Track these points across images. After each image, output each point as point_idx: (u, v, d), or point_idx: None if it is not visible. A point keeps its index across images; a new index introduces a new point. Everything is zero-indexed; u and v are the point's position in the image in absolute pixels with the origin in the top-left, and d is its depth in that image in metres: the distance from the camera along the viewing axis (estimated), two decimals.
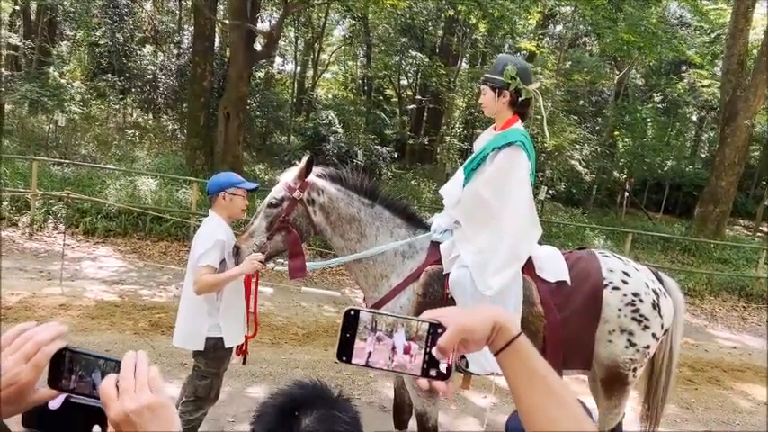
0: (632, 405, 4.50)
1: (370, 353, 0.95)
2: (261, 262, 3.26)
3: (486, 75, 3.50)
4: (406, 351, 0.94)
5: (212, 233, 3.40)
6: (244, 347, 3.67)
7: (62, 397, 0.95)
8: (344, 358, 0.95)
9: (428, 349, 0.94)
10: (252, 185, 3.65)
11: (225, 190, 3.51)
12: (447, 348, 0.93)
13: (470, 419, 4.97)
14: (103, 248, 9.23)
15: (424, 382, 0.96)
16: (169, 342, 5.44)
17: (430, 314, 0.97)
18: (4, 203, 9.77)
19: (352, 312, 0.96)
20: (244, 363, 3.77)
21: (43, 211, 9.76)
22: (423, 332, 0.94)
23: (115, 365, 0.94)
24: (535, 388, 0.94)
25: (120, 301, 6.88)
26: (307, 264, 3.46)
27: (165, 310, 6.57)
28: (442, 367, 0.95)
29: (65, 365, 0.96)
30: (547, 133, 8.77)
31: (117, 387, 0.90)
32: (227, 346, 3.47)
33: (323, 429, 1.10)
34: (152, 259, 9.01)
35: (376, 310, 0.97)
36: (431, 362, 0.94)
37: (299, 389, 1.18)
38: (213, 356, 3.46)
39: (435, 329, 0.94)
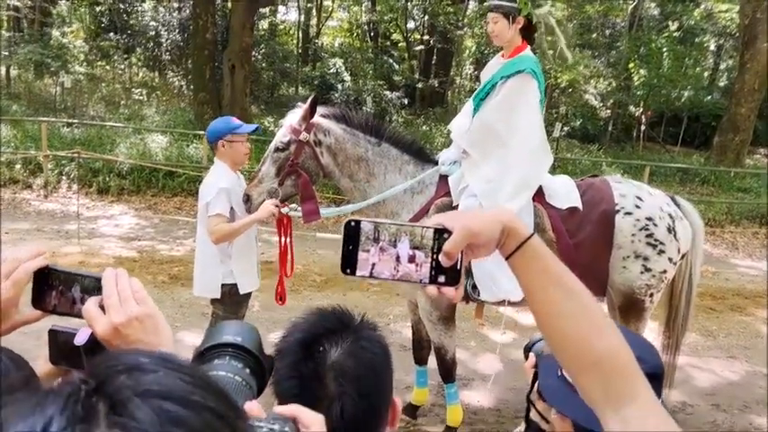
0: (653, 336, 4.48)
1: (373, 264, 0.91)
2: (276, 206, 3.22)
3: (497, 2, 3.32)
4: (411, 260, 0.90)
5: (215, 182, 3.35)
6: (280, 290, 3.66)
7: (88, 332, 0.94)
8: (348, 271, 0.91)
9: (435, 256, 0.90)
10: (250, 128, 3.52)
11: (222, 137, 3.41)
12: (453, 253, 0.88)
13: (489, 356, 5.00)
14: (118, 206, 9.30)
15: (432, 290, 0.91)
16: (189, 293, 5.49)
17: (435, 219, 0.92)
18: (17, 166, 9.82)
19: (353, 224, 0.91)
20: (284, 303, 3.74)
21: (56, 172, 9.83)
22: (428, 239, 0.90)
23: (95, 281, 0.94)
24: (549, 285, 0.89)
25: (139, 257, 6.96)
26: (321, 210, 3.42)
27: (183, 263, 6.63)
28: (450, 273, 0.90)
29: (47, 285, 0.96)
30: (569, 54, 8.48)
31: (101, 307, 0.90)
32: (241, 293, 3.47)
33: (353, 363, 1.05)
34: (167, 214, 9.07)
35: (377, 220, 0.92)
36: (438, 268, 0.90)
37: (321, 319, 1.12)
38: (229, 302, 3.48)
39: (441, 235, 0.89)
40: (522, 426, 1.67)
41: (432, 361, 3.80)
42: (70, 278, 0.97)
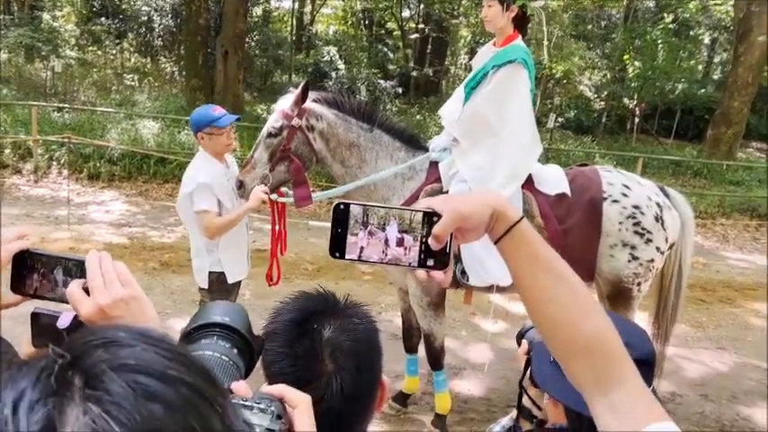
0: (642, 326, 4.50)
1: (362, 248, 0.90)
2: (266, 193, 3.19)
3: None
4: (400, 243, 0.90)
5: (194, 176, 3.26)
6: (269, 271, 3.62)
7: (71, 315, 0.92)
8: (337, 254, 0.90)
9: (424, 239, 0.89)
10: (229, 120, 3.30)
11: (201, 130, 3.29)
12: (442, 236, 0.86)
13: (480, 345, 5.01)
14: (109, 192, 9.23)
15: (421, 273, 0.91)
16: (180, 280, 5.47)
17: (425, 203, 0.91)
18: (6, 151, 9.73)
19: (342, 206, 0.90)
20: (276, 284, 3.67)
21: (46, 157, 9.74)
22: (417, 223, 0.89)
23: (78, 264, 0.92)
24: (538, 271, 0.87)
25: (129, 243, 6.91)
26: (312, 194, 3.40)
27: (174, 250, 6.59)
28: (439, 256, 0.90)
29: (27, 269, 0.95)
30: (546, 54, 8.55)
31: (85, 290, 0.89)
32: (229, 281, 3.44)
33: (347, 339, 1.07)
34: (158, 201, 9.01)
35: (366, 203, 0.91)
36: (427, 252, 0.89)
37: (309, 300, 1.14)
38: (217, 290, 3.42)
39: (430, 218, 0.88)
40: (514, 413, 1.67)
41: (422, 349, 3.79)
42: (52, 261, 0.95)
